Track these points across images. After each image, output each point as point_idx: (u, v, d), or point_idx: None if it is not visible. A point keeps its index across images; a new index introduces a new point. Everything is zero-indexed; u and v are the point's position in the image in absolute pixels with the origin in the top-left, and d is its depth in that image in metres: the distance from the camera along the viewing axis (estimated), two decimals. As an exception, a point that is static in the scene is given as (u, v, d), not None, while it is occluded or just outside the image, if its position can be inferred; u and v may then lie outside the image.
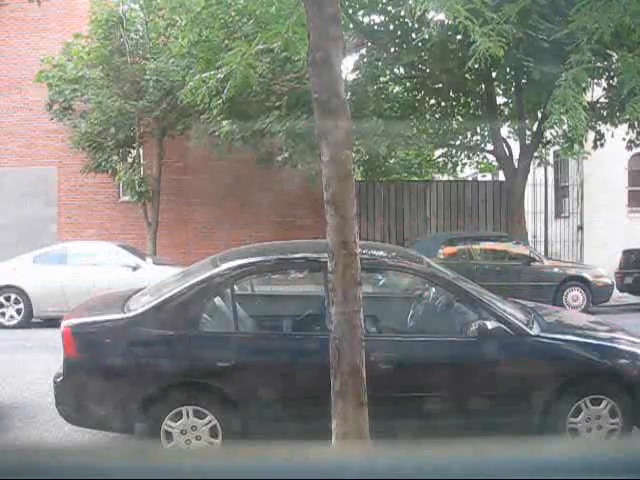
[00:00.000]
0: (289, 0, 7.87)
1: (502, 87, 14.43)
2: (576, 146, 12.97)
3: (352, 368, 3.63)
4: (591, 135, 13.91)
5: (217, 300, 5.17)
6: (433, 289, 5.43)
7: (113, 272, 11.30)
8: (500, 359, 4.80)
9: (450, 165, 18.99)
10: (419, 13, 11.61)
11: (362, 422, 3.63)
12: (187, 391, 4.73)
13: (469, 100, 15.00)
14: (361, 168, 18.94)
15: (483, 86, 13.86)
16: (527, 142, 13.79)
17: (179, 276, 5.63)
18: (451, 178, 20.96)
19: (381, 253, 5.71)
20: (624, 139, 14.58)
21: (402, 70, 14.17)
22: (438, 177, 21.80)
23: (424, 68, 13.87)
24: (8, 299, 11.43)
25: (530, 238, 15.54)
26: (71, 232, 15.96)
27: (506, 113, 14.74)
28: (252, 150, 14.33)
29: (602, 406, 4.74)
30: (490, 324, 4.70)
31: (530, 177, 14.58)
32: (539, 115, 13.21)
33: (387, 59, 13.37)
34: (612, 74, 12.05)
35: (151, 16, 14.89)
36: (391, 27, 12.89)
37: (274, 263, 5.31)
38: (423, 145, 17.47)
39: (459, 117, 15.29)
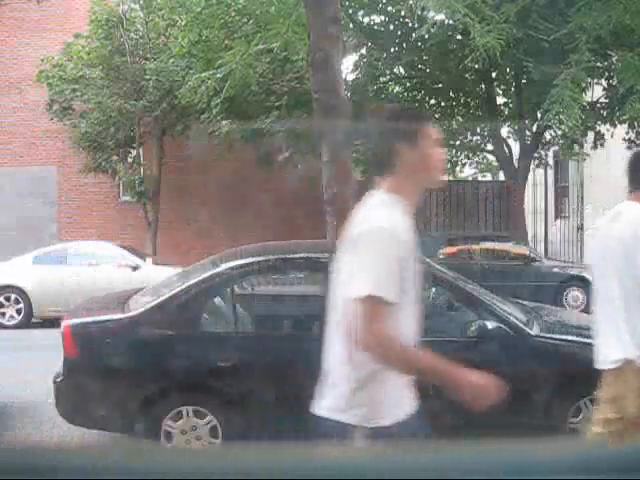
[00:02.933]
0: (289, 0, 7.88)
1: (502, 87, 14.42)
2: (576, 147, 12.97)
3: (352, 368, 3.62)
4: (591, 135, 13.91)
5: (217, 300, 5.17)
6: (433, 289, 5.43)
7: (113, 272, 11.30)
8: (500, 359, 4.79)
9: (450, 165, 18.98)
10: (419, 12, 11.62)
11: (362, 422, 3.63)
12: (187, 391, 4.73)
13: (469, 100, 15.00)
14: (361, 168, 18.93)
15: (483, 86, 13.85)
16: (527, 142, 13.78)
17: (179, 276, 5.63)
18: (451, 178, 20.95)
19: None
20: (624, 139, 14.57)
21: (402, 70, 14.16)
22: (438, 177, 21.77)
23: (424, 68, 13.87)
24: (8, 299, 11.42)
25: (530, 238, 15.53)
26: (71, 232, 15.95)
27: (506, 113, 14.74)
28: (252, 150, 14.33)
29: (602, 406, 4.74)
30: (490, 324, 4.69)
31: (530, 177, 14.57)
32: (539, 115, 13.21)
33: (387, 59, 13.37)
34: (612, 74, 12.05)
35: (151, 16, 14.89)
36: (391, 27, 12.89)
37: (274, 263, 5.31)
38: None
39: (459, 117, 15.28)
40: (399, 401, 2.31)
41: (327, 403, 2.29)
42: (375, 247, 2.16)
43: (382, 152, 2.34)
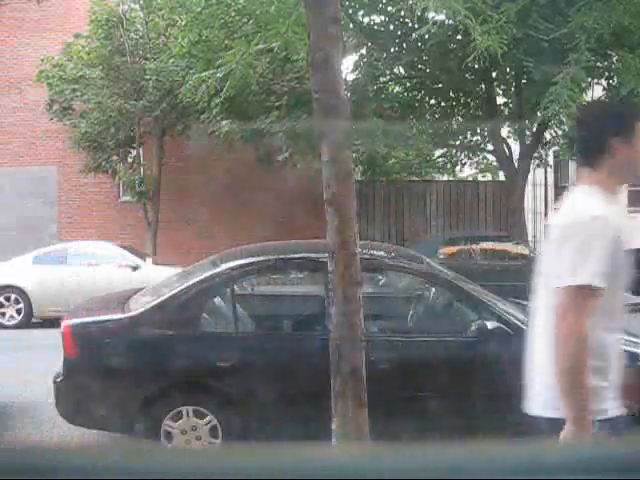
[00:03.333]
0: (289, 0, 7.89)
1: (502, 87, 14.42)
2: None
3: (352, 368, 3.63)
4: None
5: (217, 300, 5.17)
6: (433, 289, 5.43)
7: (113, 272, 11.30)
8: (500, 359, 4.79)
9: (450, 165, 18.98)
10: (419, 12, 11.62)
11: (362, 422, 3.63)
12: (187, 391, 4.74)
13: (469, 100, 14.99)
14: (361, 168, 18.94)
15: (483, 86, 13.85)
16: (527, 142, 13.78)
17: (179, 276, 5.63)
18: (451, 178, 20.94)
19: (381, 253, 5.71)
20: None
21: (402, 70, 14.15)
22: (438, 177, 21.81)
23: (424, 68, 13.86)
24: (8, 299, 11.43)
25: (530, 238, 15.53)
26: (71, 232, 15.95)
27: (506, 113, 14.73)
28: (252, 150, 14.33)
29: (602, 406, 4.73)
30: (490, 324, 4.69)
31: (530, 177, 14.56)
32: (539, 115, 13.21)
33: (387, 59, 13.36)
34: (612, 74, 12.05)
35: (151, 16, 14.89)
36: (391, 27, 12.88)
37: (274, 263, 5.32)
38: (423, 145, 17.48)
39: (459, 117, 15.28)
40: (615, 395, 2.31)
41: (549, 403, 2.28)
42: (584, 236, 2.20)
43: (594, 146, 2.36)
